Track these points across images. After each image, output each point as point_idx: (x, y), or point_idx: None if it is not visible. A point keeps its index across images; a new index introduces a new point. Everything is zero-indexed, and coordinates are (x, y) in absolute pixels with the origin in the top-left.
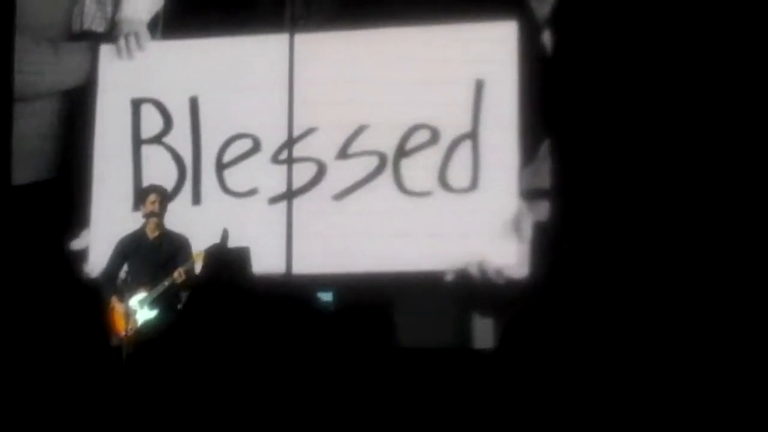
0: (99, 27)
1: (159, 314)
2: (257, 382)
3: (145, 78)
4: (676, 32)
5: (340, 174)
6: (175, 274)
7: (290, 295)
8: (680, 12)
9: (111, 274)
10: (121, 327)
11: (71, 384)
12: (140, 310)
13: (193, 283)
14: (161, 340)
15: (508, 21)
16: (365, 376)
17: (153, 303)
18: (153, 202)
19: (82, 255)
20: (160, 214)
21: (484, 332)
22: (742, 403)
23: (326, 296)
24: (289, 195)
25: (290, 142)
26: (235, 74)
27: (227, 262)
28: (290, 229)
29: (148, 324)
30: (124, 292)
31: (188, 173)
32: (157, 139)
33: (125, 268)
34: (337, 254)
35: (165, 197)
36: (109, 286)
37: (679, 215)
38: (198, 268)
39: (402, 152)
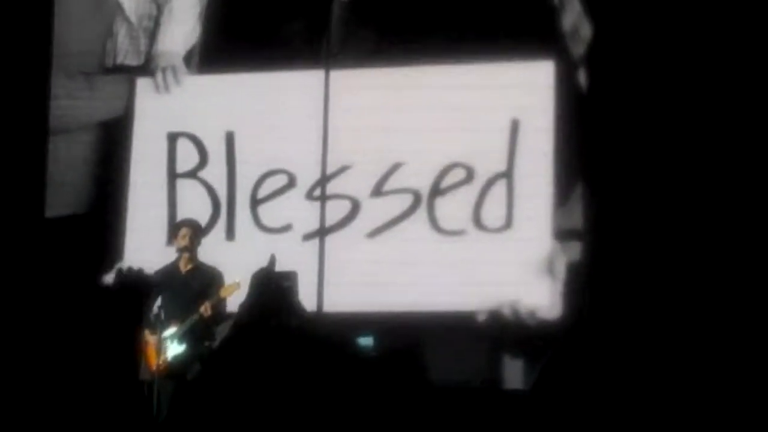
0: (133, 61)
1: (187, 348)
2: (297, 423)
3: (182, 112)
4: (709, 72)
5: (374, 211)
6: (202, 309)
7: (330, 339)
8: (714, 53)
9: (145, 308)
10: (152, 361)
11: (103, 417)
12: (171, 344)
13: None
14: (200, 378)
15: (545, 60)
16: (400, 416)
17: (182, 337)
18: (184, 237)
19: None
20: (192, 249)
21: (513, 373)
22: None
23: (366, 340)
24: (323, 232)
25: (324, 179)
26: (271, 109)
27: (273, 288)
28: (322, 266)
29: (177, 358)
30: (157, 326)
31: (222, 208)
32: (193, 174)
33: (158, 302)
34: (370, 292)
35: (197, 231)
36: (145, 321)
37: (712, 259)
38: (225, 301)
39: (437, 191)
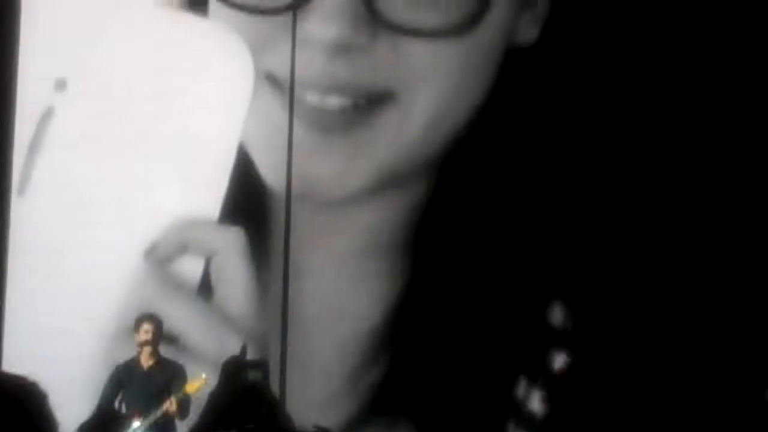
0: None
1: None
2: None
3: None
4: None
5: None
6: (167, 404)
7: None
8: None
9: (107, 403)
10: None
11: None
12: None
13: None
14: None
15: None
16: None
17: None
18: (147, 332)
19: None
20: (154, 343)
21: None
22: None
23: None
24: None
25: None
26: None
27: (245, 381)
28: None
29: None
30: (120, 422)
31: None
32: None
33: (119, 396)
34: None
35: (159, 326)
36: (106, 415)
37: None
38: (190, 397)
39: None
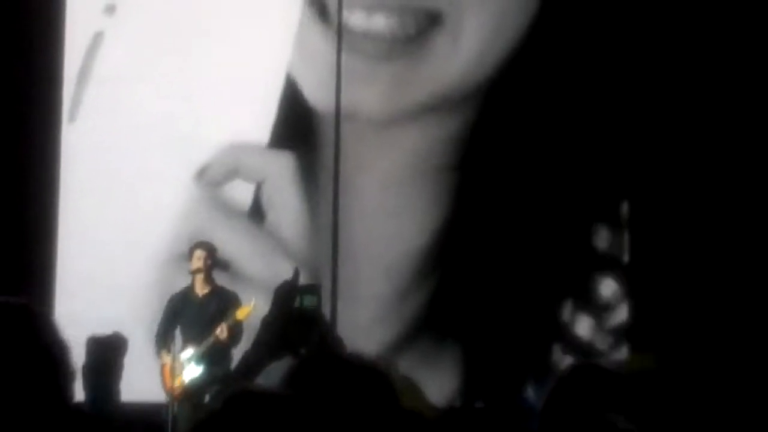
0: None
1: (204, 371)
2: None
3: None
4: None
5: None
6: (218, 331)
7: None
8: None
9: (164, 332)
10: (169, 383)
11: None
12: (187, 366)
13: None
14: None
15: None
16: None
17: (199, 360)
18: (199, 258)
19: None
20: (207, 271)
21: None
22: None
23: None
24: None
25: None
26: None
27: (298, 306)
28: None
29: (194, 381)
30: (175, 349)
31: None
32: None
33: (175, 324)
34: None
35: (212, 253)
36: (163, 344)
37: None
38: (242, 324)
39: None
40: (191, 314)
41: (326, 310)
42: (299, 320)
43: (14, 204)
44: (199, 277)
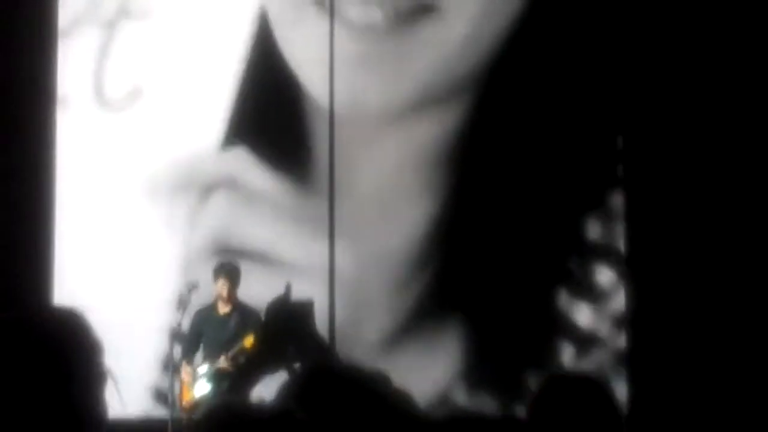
0: None
1: (212, 389)
2: None
3: None
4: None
5: None
6: (222, 359)
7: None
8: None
9: (190, 347)
10: (185, 396)
11: None
12: (200, 382)
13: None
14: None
15: None
16: None
17: (210, 377)
18: (223, 286)
19: None
20: (229, 295)
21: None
22: None
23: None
24: None
25: None
26: None
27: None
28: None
29: (203, 397)
30: (193, 363)
31: None
32: None
33: (198, 339)
34: None
35: (235, 278)
36: (185, 359)
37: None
38: (248, 350)
39: None
40: (212, 331)
41: (323, 310)
42: (292, 335)
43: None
44: (222, 300)
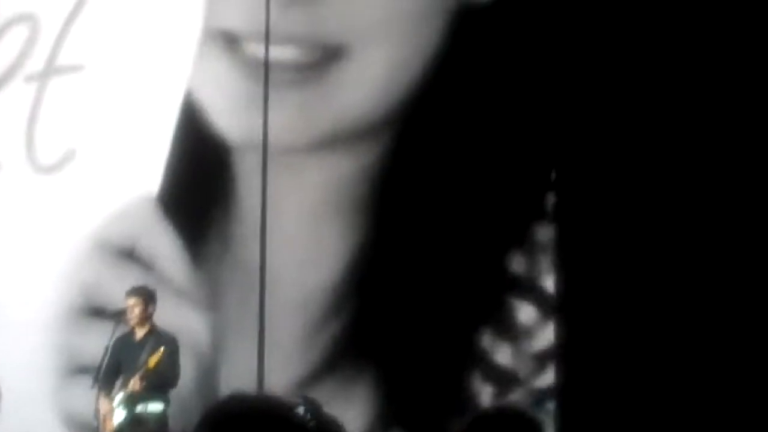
0: None
1: (126, 415)
2: None
3: None
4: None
5: None
6: (131, 383)
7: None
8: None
9: (108, 377)
10: (106, 425)
11: None
12: (116, 410)
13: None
14: None
15: None
16: None
17: (124, 405)
18: (133, 309)
19: None
20: (143, 319)
21: None
22: None
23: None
24: None
25: None
26: None
27: None
28: None
29: (120, 426)
30: (113, 390)
31: None
32: None
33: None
34: None
35: (148, 301)
36: (102, 389)
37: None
38: (153, 370)
39: None
40: (130, 357)
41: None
42: None
43: None
44: (137, 322)
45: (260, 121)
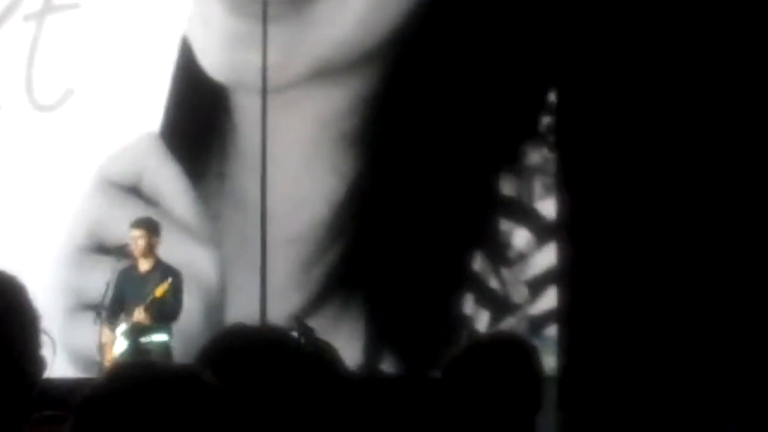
0: None
1: (129, 346)
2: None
3: None
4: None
5: None
6: (136, 313)
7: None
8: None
9: (112, 310)
10: (107, 356)
11: None
12: (118, 341)
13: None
14: None
15: None
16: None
17: (126, 335)
18: (136, 240)
19: None
20: (147, 251)
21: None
22: None
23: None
24: None
25: None
26: None
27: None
28: None
29: (122, 355)
30: (113, 323)
31: None
32: None
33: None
34: None
35: (152, 232)
36: (106, 320)
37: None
38: (160, 300)
39: None
40: (134, 290)
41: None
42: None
43: None
44: (141, 255)
45: (251, 57)
